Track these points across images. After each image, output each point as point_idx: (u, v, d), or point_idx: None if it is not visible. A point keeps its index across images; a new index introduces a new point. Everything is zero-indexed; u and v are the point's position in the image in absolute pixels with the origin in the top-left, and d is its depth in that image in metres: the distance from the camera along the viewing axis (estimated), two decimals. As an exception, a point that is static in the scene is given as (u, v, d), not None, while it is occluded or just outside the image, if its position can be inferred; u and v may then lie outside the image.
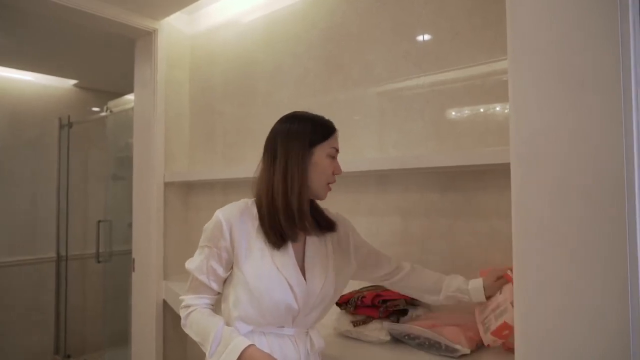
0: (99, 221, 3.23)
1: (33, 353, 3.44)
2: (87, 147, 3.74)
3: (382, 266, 1.25)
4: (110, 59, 3.14)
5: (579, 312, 0.65)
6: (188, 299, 1.11)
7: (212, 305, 1.13)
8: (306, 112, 1.17)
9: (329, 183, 1.13)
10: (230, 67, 2.28)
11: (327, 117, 1.17)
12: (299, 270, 1.09)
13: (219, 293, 1.12)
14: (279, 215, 1.06)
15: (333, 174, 1.13)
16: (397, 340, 1.30)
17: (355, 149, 1.70)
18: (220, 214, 1.08)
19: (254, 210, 1.11)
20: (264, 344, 1.05)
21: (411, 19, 1.54)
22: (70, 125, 3.60)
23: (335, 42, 1.79)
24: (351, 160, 1.60)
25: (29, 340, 3.42)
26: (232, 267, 1.09)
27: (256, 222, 1.09)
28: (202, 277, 1.08)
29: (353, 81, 1.72)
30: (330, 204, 1.78)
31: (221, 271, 1.08)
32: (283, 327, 1.08)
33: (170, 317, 2.32)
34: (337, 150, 1.15)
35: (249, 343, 1.01)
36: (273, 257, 1.07)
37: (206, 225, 1.10)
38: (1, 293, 3.30)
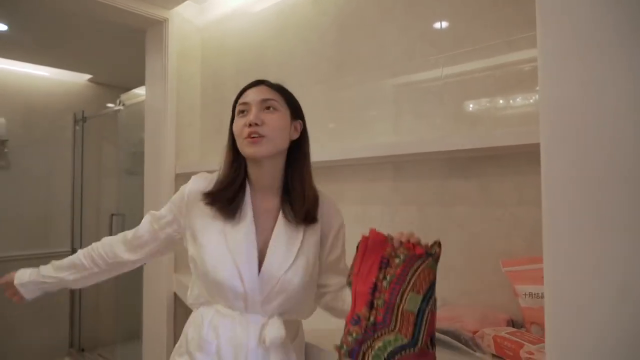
0: (112, 215, 3.23)
1: (49, 346, 3.47)
2: (101, 141, 3.76)
3: (339, 274, 1.10)
4: (123, 53, 3.13)
5: (611, 295, 0.59)
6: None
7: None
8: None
9: (246, 137, 1.00)
10: (240, 57, 2.24)
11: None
12: (255, 252, 1.00)
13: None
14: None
15: (245, 126, 1.01)
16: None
17: (369, 137, 1.65)
18: (187, 186, 1.11)
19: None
20: (215, 321, 1.01)
21: (428, 1, 1.48)
22: (84, 120, 3.62)
23: (348, 28, 1.73)
24: (364, 147, 1.55)
25: (45, 334, 3.45)
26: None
27: None
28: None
29: (366, 68, 1.66)
30: (343, 193, 1.74)
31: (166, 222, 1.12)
32: (232, 309, 1.01)
33: (181, 310, 2.29)
34: (247, 103, 1.03)
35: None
36: (226, 234, 1.01)
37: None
38: (17, 286, 3.34)
